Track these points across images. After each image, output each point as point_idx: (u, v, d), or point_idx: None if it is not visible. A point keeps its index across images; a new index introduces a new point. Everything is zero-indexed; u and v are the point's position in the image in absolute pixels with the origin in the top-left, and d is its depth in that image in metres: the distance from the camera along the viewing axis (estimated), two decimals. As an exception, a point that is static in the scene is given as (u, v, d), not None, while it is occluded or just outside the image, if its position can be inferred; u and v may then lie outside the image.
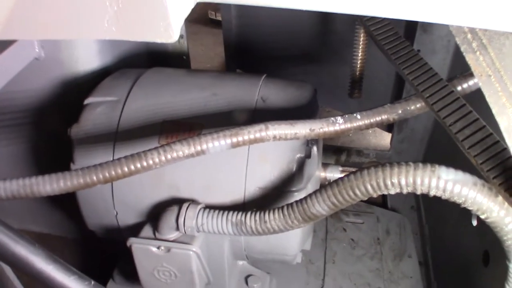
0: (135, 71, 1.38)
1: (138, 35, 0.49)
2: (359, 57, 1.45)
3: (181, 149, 0.91)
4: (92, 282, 0.63)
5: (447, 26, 0.66)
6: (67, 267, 0.63)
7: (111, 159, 0.92)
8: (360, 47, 1.43)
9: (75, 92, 1.44)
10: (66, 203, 1.32)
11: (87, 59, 1.50)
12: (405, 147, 2.13)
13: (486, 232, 1.06)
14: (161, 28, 0.48)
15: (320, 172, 1.33)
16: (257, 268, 1.41)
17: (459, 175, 0.75)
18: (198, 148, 0.92)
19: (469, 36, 0.61)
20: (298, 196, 1.08)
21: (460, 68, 0.98)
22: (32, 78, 1.47)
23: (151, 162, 0.90)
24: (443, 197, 0.76)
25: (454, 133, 0.77)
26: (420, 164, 0.76)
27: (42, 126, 1.58)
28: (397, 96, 2.00)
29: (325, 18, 2.13)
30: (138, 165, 0.90)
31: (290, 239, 1.19)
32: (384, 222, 1.85)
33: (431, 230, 1.82)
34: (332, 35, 2.16)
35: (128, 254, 1.16)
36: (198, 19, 4.07)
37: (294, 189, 1.13)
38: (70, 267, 0.64)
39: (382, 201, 2.06)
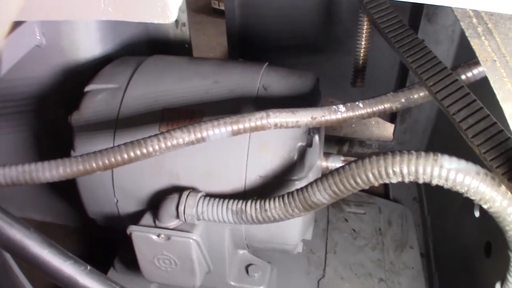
0: (136, 59, 1.37)
1: (135, 16, 0.48)
2: (363, 46, 1.43)
3: (181, 136, 0.90)
4: (88, 267, 0.63)
5: (451, 15, 0.65)
6: (63, 252, 0.62)
7: (111, 146, 0.91)
8: (364, 36, 1.42)
9: (76, 79, 1.43)
10: (68, 192, 1.32)
11: (88, 47, 1.49)
12: (408, 138, 2.12)
13: (488, 223, 1.05)
14: (158, 8, 0.47)
15: (322, 162, 1.32)
16: (257, 257, 1.40)
17: (462, 164, 0.74)
18: (199, 135, 0.91)
19: (474, 20, 0.60)
20: (299, 185, 1.07)
21: (465, 58, 0.96)
22: (33, 65, 1.46)
23: (151, 149, 0.90)
24: (445, 186, 0.75)
25: (457, 122, 0.76)
26: (423, 153, 0.75)
27: (43, 113, 1.58)
28: (400, 85, 1.98)
29: (328, 8, 2.11)
30: (138, 152, 0.90)
31: (290, 229, 1.19)
32: (386, 212, 1.85)
33: (433, 221, 1.81)
34: (336, 25, 2.15)
35: (128, 242, 1.16)
36: (201, 8, 4.05)
37: (295, 178, 1.12)
38: (66, 252, 0.63)
39: (384, 192, 2.05)
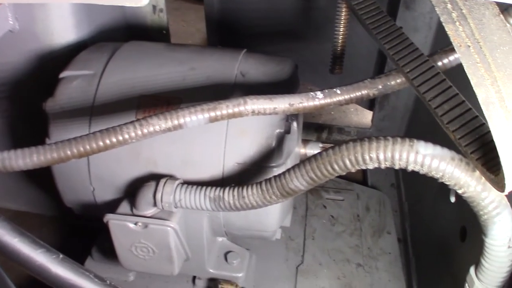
0: (112, 45, 1.35)
1: (106, -1, 0.46)
2: (341, 33, 1.43)
3: (158, 123, 0.89)
4: (61, 256, 0.61)
5: (429, 2, 0.64)
6: (34, 240, 0.61)
7: (87, 133, 0.90)
8: (342, 23, 1.42)
9: (50, 65, 1.41)
10: (44, 180, 1.30)
11: (63, 32, 1.46)
12: (386, 125, 2.13)
13: (463, 208, 1.06)
14: (129, -9, 0.46)
15: (300, 149, 1.32)
16: (236, 245, 1.40)
17: (437, 150, 0.74)
18: (175, 122, 0.90)
19: (449, 6, 0.60)
20: (277, 171, 1.07)
21: (442, 45, 0.97)
22: (7, 51, 1.43)
23: (126, 136, 0.88)
24: (421, 172, 0.76)
25: (433, 108, 0.77)
26: (399, 139, 0.76)
27: (17, 100, 1.55)
28: (379, 72, 1.98)
29: (307, -6, 2.11)
30: (114, 139, 0.88)
31: (269, 216, 1.19)
32: (364, 199, 1.86)
33: (410, 207, 1.83)
34: (315, 11, 2.14)
35: (105, 231, 1.14)
36: (180, -6, 4.01)
37: (273, 164, 1.12)
38: (38, 240, 0.62)
39: (362, 178, 2.07)
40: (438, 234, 1.46)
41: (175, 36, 3.38)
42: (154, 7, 1.76)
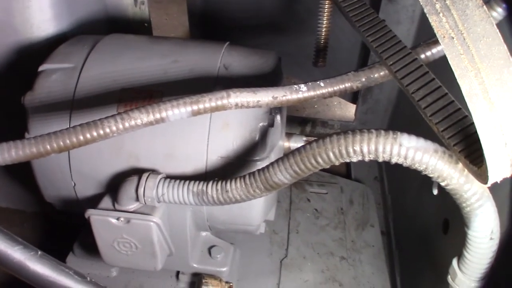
0: (92, 37, 1.32)
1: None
2: (324, 26, 1.43)
3: (139, 117, 0.88)
4: (39, 252, 0.60)
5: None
6: (11, 237, 0.60)
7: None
8: (325, 15, 1.42)
9: (29, 58, 1.38)
10: (24, 175, 1.28)
11: (42, 25, 1.43)
12: (369, 118, 2.14)
13: (446, 201, 1.07)
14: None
15: (284, 142, 1.32)
16: (220, 239, 1.40)
17: (421, 142, 0.74)
18: (157, 116, 0.88)
19: (432, -3, 0.60)
20: (261, 165, 1.07)
21: (425, 38, 0.97)
22: (-16, 44, 1.41)
23: (108, 130, 0.87)
24: (404, 164, 0.76)
25: (416, 100, 0.77)
26: (382, 132, 0.75)
27: (-5, 94, 1.52)
28: (362, 65, 1.98)
29: (291, -14, 2.10)
30: (94, 134, 0.87)
31: (252, 209, 1.18)
32: (347, 192, 1.87)
33: (394, 200, 1.84)
34: (298, 4, 2.14)
35: (87, 226, 1.13)
36: (162, -13, 3.97)
37: (256, 158, 1.11)
38: (15, 237, 0.61)
39: (346, 172, 2.08)
40: (421, 227, 1.47)
41: (158, 29, 3.37)
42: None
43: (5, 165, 0.87)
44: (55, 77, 1.21)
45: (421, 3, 0.61)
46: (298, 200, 1.81)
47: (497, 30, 0.60)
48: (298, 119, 2.28)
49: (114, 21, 1.74)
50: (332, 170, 1.93)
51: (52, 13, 1.43)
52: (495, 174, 0.61)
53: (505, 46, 0.60)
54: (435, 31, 0.60)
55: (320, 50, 1.48)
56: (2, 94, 1.50)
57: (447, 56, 0.60)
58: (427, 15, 0.61)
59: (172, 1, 3.80)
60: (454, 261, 0.88)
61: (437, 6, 0.59)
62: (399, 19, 1.80)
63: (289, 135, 1.34)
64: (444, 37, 0.59)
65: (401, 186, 1.76)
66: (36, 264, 0.59)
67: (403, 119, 1.89)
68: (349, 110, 2.55)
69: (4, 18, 1.37)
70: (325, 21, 1.42)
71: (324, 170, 0.85)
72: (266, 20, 2.25)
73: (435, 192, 0.86)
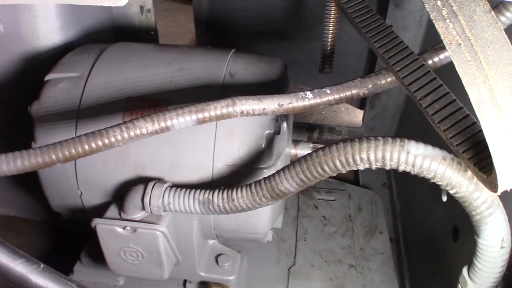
0: (98, 46, 1.33)
1: (84, -1, 0.45)
2: (330, 32, 1.42)
3: (145, 126, 0.88)
4: (42, 265, 0.59)
5: (419, 0, 0.63)
6: (13, 250, 0.59)
7: (73, 137, 0.88)
8: (331, 22, 1.41)
9: (36, 68, 1.39)
10: (32, 184, 1.28)
11: (48, 34, 1.44)
12: (377, 124, 2.13)
13: (456, 208, 1.05)
14: (108, -10, 0.44)
15: (291, 149, 1.31)
16: (227, 247, 1.39)
17: (429, 150, 0.73)
18: (163, 124, 0.88)
19: (439, 3, 0.59)
20: (267, 173, 1.06)
21: (432, 43, 0.96)
22: (-9, 53, 1.41)
23: (113, 139, 0.87)
24: (412, 172, 0.75)
25: (424, 107, 0.75)
26: (389, 139, 0.74)
27: (2, 103, 1.52)
28: (369, 71, 1.98)
29: (297, -7, 2.10)
30: (100, 143, 0.86)
31: (259, 217, 1.17)
32: (355, 199, 1.85)
33: (402, 206, 1.82)
34: (305, 10, 2.13)
35: (94, 235, 1.13)
36: (169, -5, 3.99)
37: (263, 166, 1.10)
38: (17, 250, 0.60)
39: (354, 178, 2.06)
40: (430, 234, 1.45)
41: (164, 37, 3.38)
42: (141, 7, 1.74)
43: (12, 175, 0.87)
44: (61, 86, 1.21)
45: (428, 9, 0.60)
46: (306, 207, 1.80)
47: (506, 36, 0.59)
48: (305, 126, 2.27)
49: (121, 29, 1.75)
50: (340, 177, 1.92)
51: (59, 22, 1.44)
52: (505, 182, 0.60)
53: (514, 52, 0.59)
54: (442, 37, 0.59)
55: (327, 56, 1.47)
56: (9, 103, 1.51)
57: (454, 63, 0.59)
58: (433, 21, 0.60)
59: (179, 8, 3.82)
60: (464, 270, 0.86)
61: (444, 12, 0.59)
62: (406, 25, 1.79)
63: (296, 142, 1.33)
64: (451, 43, 0.58)
65: (410, 192, 1.74)
66: (38, 278, 0.58)
67: (411, 125, 1.88)
68: (357, 116, 2.54)
69: (11, 28, 1.37)
70: (331, 27, 1.41)
71: (331, 176, 0.84)
72: (272, 26, 2.25)
73: (444, 199, 0.85)
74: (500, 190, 0.62)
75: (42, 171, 1.20)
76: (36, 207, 1.76)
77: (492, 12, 0.60)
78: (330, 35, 1.43)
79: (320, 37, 1.47)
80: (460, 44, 0.58)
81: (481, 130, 0.62)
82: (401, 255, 1.66)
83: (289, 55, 2.18)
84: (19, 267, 0.57)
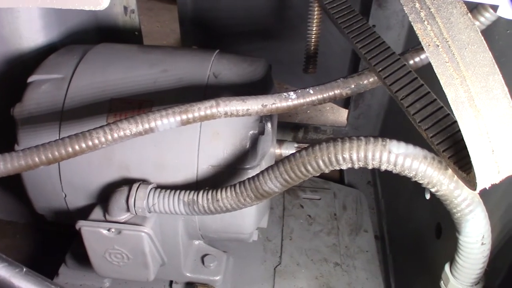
0: (81, 47, 1.32)
1: (64, 2, 0.45)
2: (314, 32, 1.43)
3: (128, 128, 0.87)
4: (24, 269, 0.59)
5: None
6: (-5, 255, 0.59)
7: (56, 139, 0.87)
8: (314, 22, 1.42)
9: (19, 69, 1.37)
10: (15, 186, 1.27)
11: (31, 35, 1.42)
12: (361, 123, 2.14)
13: (439, 205, 1.07)
14: (88, -6, 0.44)
15: (275, 149, 1.31)
16: (213, 247, 1.39)
17: (410, 149, 0.74)
18: (146, 126, 0.88)
19: (417, 5, 0.60)
20: (252, 173, 1.06)
21: (415, 43, 0.97)
22: (-27, 55, 1.40)
23: (96, 141, 0.86)
24: (394, 171, 0.76)
25: (405, 107, 0.77)
26: (371, 139, 0.75)
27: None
28: (353, 71, 1.99)
29: (281, -7, 2.10)
30: (83, 145, 0.86)
31: (245, 218, 1.18)
32: (340, 197, 1.87)
33: (387, 204, 1.84)
34: (289, 10, 2.14)
35: (79, 237, 1.12)
36: (153, -6, 3.97)
37: (247, 166, 1.11)
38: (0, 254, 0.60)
39: (339, 177, 2.07)
40: (414, 231, 1.47)
41: (149, 37, 3.36)
42: (125, 8, 1.73)
43: (-6, 177, 0.86)
44: (44, 88, 1.20)
45: (406, 11, 0.61)
46: (291, 206, 1.80)
47: (482, 38, 0.60)
48: (291, 125, 2.28)
49: (105, 30, 1.74)
50: (325, 176, 1.93)
51: (42, 23, 1.42)
52: (484, 181, 0.61)
53: (490, 53, 0.60)
54: (420, 39, 0.60)
55: (310, 56, 1.48)
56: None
57: (432, 64, 0.60)
58: (412, 23, 0.61)
59: (163, 8, 3.80)
60: (447, 266, 0.88)
61: (422, 14, 0.60)
62: (389, 25, 1.81)
63: (280, 142, 1.34)
64: (429, 45, 0.59)
65: (394, 191, 1.76)
66: (21, 282, 0.58)
67: (395, 123, 1.89)
68: (342, 115, 2.55)
69: (-7, 29, 1.36)
70: (314, 27, 1.42)
71: (317, 176, 0.85)
72: (257, 26, 2.25)
73: (428, 196, 0.86)
74: (479, 188, 0.63)
75: (25, 174, 1.19)
76: (19, 209, 1.75)
77: (469, 14, 0.61)
78: (314, 36, 1.44)
79: (304, 37, 1.48)
80: (438, 46, 0.59)
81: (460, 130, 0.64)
82: (386, 252, 1.68)
83: (274, 55, 2.18)
84: (1, 271, 0.57)
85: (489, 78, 0.58)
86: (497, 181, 0.62)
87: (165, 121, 0.88)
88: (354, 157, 0.76)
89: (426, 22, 0.60)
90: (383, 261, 1.65)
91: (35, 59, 1.36)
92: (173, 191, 1.02)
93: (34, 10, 1.40)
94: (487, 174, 0.60)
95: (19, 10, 1.37)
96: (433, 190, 0.76)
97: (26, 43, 1.42)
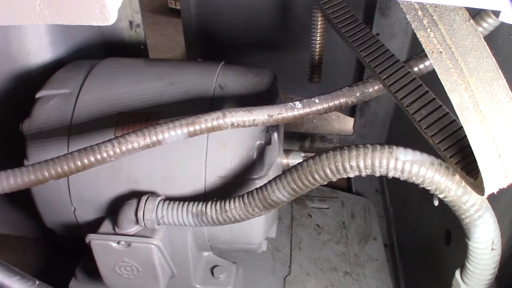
0: (88, 62, 1.33)
1: (72, 19, 0.46)
2: (318, 42, 1.44)
3: (136, 140, 0.88)
4: (37, 282, 0.60)
5: (403, 8, 0.65)
6: (8, 268, 0.59)
7: (65, 153, 0.88)
8: (318, 32, 1.43)
9: (27, 85, 1.39)
10: (24, 201, 1.28)
11: (38, 52, 1.44)
12: (367, 131, 2.14)
13: (448, 212, 1.07)
14: (96, 10, 0.45)
15: (282, 159, 1.32)
16: (222, 258, 1.39)
17: (417, 155, 0.74)
18: (154, 138, 0.89)
19: (419, 13, 0.61)
20: (260, 183, 1.06)
21: (419, 50, 0.97)
22: (-18, 72, 1.41)
23: (105, 154, 0.87)
24: (401, 178, 0.76)
25: (411, 113, 0.77)
26: (378, 146, 0.76)
27: (-6, 122, 1.52)
28: (358, 79, 2.00)
29: (284, 3, 2.12)
30: (92, 159, 0.87)
31: (253, 228, 1.18)
32: (349, 206, 1.86)
33: (396, 212, 1.83)
34: (292, 21, 2.15)
35: (88, 251, 1.13)
36: (158, 9, 4.01)
37: (255, 176, 1.11)
38: (12, 267, 0.60)
39: (347, 186, 2.07)
40: (423, 238, 1.46)
41: (155, 50, 3.39)
42: (131, 22, 1.75)
43: (3, 193, 0.87)
44: (53, 103, 1.22)
45: (409, 19, 0.61)
46: (300, 216, 1.80)
47: (485, 43, 0.61)
48: (297, 135, 2.28)
49: (111, 44, 1.75)
50: (333, 184, 1.93)
51: (49, 39, 1.44)
52: (491, 186, 0.61)
53: (493, 58, 0.60)
54: (424, 46, 0.61)
55: (315, 66, 1.49)
56: (0, 121, 1.51)
57: (436, 70, 0.60)
58: (415, 31, 0.61)
59: (168, 22, 3.84)
60: (457, 273, 0.87)
61: (425, 21, 0.60)
62: (393, 32, 1.81)
63: (287, 151, 1.34)
64: (432, 52, 0.60)
65: (403, 198, 1.76)
66: (34, 294, 0.59)
67: (402, 131, 1.89)
68: (348, 123, 2.56)
69: (1, 46, 1.38)
70: (318, 37, 1.43)
71: (324, 184, 0.85)
72: (262, 37, 2.27)
73: (436, 203, 0.86)
74: (487, 193, 0.63)
75: (35, 188, 1.20)
76: (29, 224, 1.76)
77: (471, 20, 0.62)
78: (318, 45, 1.44)
79: (308, 47, 1.49)
80: (442, 52, 0.59)
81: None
82: (396, 260, 1.67)
83: (278, 66, 2.20)
84: (14, 284, 0.57)
85: (493, 83, 0.59)
86: (504, 186, 0.62)
87: (173, 133, 0.89)
88: (361, 165, 0.76)
89: (429, 30, 0.60)
90: (393, 269, 1.64)
91: (42, 75, 1.38)
92: (181, 203, 1.03)
93: (41, 27, 1.42)
94: (495, 179, 0.60)
95: (26, 27, 1.39)
96: (441, 196, 0.75)
97: (34, 59, 1.44)
